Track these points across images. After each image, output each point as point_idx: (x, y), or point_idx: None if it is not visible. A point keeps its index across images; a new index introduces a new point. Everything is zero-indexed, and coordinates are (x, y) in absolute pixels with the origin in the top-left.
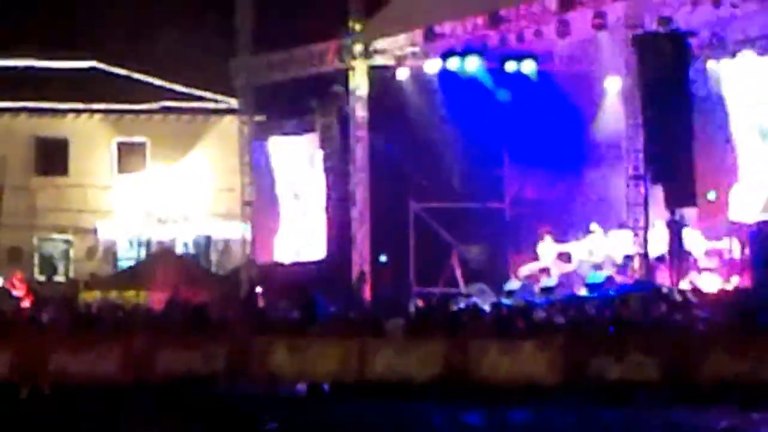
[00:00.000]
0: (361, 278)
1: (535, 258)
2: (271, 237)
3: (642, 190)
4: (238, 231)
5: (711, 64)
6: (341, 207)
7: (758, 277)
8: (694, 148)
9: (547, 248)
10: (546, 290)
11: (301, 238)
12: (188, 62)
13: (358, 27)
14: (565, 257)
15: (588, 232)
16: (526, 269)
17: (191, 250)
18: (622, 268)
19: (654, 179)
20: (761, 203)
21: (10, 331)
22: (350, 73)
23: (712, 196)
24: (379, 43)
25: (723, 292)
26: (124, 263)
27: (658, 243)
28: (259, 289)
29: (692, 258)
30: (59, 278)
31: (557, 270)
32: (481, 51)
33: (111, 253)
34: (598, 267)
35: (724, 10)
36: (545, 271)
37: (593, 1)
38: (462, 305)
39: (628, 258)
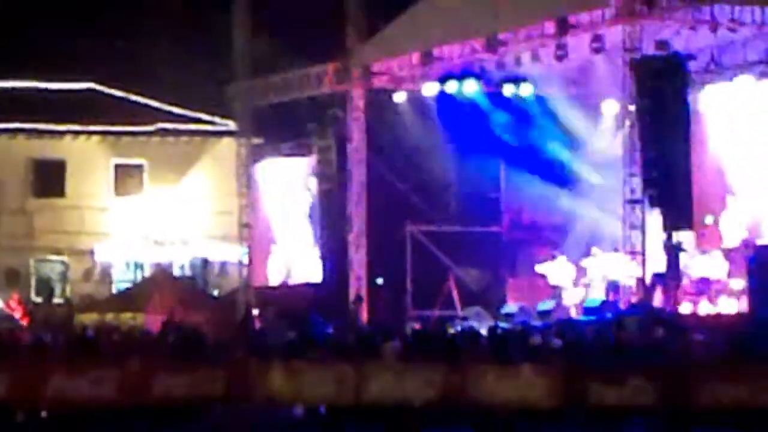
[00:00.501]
0: (357, 301)
1: (534, 281)
2: (268, 259)
3: (639, 213)
4: (235, 253)
5: (707, 89)
6: (338, 229)
7: (756, 301)
8: (691, 172)
9: (557, 268)
10: (543, 314)
11: (298, 260)
12: (186, 84)
13: (356, 50)
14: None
15: (587, 255)
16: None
17: (188, 272)
18: (618, 291)
19: (652, 203)
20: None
21: (7, 353)
22: (348, 95)
23: (709, 220)
24: (377, 66)
25: (721, 317)
26: (121, 285)
27: (655, 266)
28: (255, 312)
29: (689, 282)
30: (56, 300)
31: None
32: (479, 74)
33: (108, 275)
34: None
35: (721, 35)
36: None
37: (591, 24)
38: (459, 328)
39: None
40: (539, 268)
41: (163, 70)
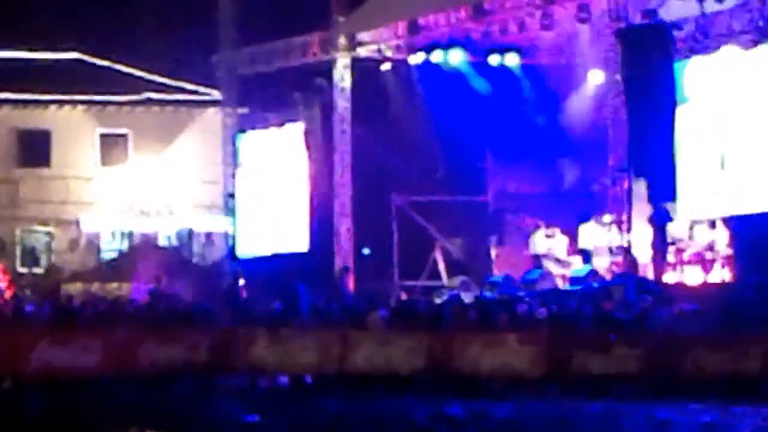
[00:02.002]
0: (344, 271)
1: (520, 250)
2: (254, 229)
3: (625, 184)
4: (221, 223)
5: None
6: (324, 199)
7: (742, 270)
8: (676, 143)
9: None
10: (529, 283)
11: (284, 230)
12: (171, 54)
13: (341, 19)
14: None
15: (576, 224)
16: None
17: (174, 242)
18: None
19: (637, 173)
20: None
21: None
22: (334, 65)
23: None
24: (363, 36)
25: (707, 286)
26: (107, 255)
27: (642, 236)
28: (241, 282)
29: (675, 251)
30: (41, 270)
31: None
32: (465, 44)
33: (93, 245)
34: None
35: (708, 4)
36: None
37: None
38: (445, 298)
39: (611, 250)
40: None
41: (149, 40)
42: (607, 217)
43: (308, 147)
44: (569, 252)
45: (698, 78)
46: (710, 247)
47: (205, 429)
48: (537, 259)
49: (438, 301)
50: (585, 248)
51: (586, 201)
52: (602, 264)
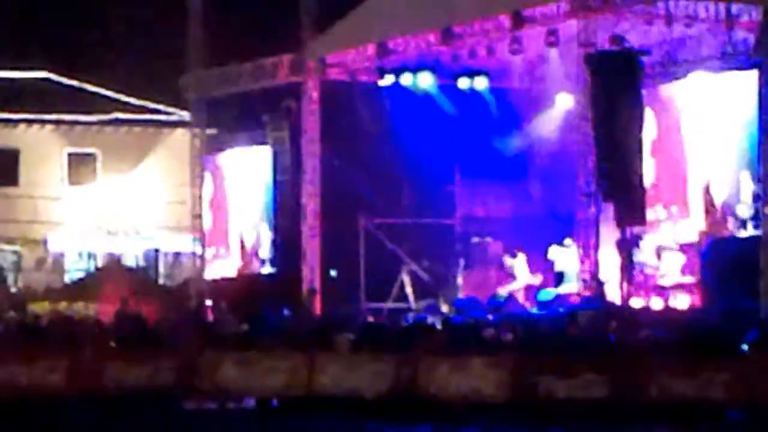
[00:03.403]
0: (310, 292)
1: (487, 274)
2: (221, 250)
3: (593, 208)
4: (188, 244)
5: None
6: (292, 221)
7: (709, 296)
8: (643, 167)
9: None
10: (496, 306)
11: (251, 251)
12: (140, 74)
13: (311, 41)
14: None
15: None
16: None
17: (141, 262)
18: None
19: (605, 197)
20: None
21: None
22: (303, 87)
23: (663, 214)
24: (332, 58)
25: (673, 311)
26: (74, 275)
27: (609, 260)
28: (208, 303)
29: (643, 275)
30: (8, 289)
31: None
32: (434, 67)
33: (60, 265)
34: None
35: (676, 30)
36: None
37: (546, 18)
38: (411, 321)
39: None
40: (504, 260)
41: (118, 60)
42: (573, 242)
43: (276, 168)
44: (533, 271)
45: (666, 103)
46: (677, 272)
47: None
48: (507, 281)
49: (405, 323)
50: (554, 271)
51: (553, 225)
52: (569, 288)
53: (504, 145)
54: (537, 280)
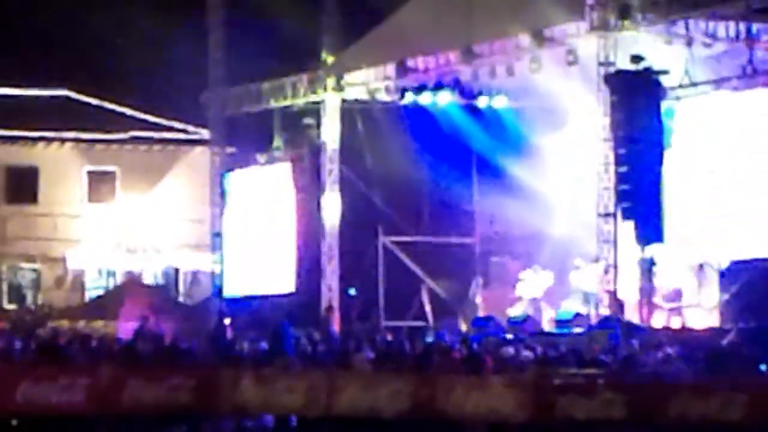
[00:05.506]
0: (329, 311)
1: (506, 292)
2: (240, 268)
3: (612, 227)
4: (207, 262)
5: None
6: (311, 239)
7: (728, 315)
8: (663, 186)
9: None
10: (515, 326)
11: (270, 269)
12: (159, 93)
13: (330, 60)
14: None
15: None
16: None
17: (160, 280)
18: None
19: (624, 216)
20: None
21: None
22: (322, 105)
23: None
24: (352, 77)
25: (692, 331)
26: (93, 293)
27: (628, 279)
28: (227, 321)
29: (662, 295)
30: (28, 307)
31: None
32: (454, 86)
33: (79, 283)
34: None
35: (696, 50)
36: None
37: (565, 37)
38: (430, 340)
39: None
40: (520, 277)
41: (137, 78)
42: (593, 260)
43: (296, 187)
44: (555, 293)
45: (686, 123)
46: (698, 292)
47: None
48: (527, 300)
49: (423, 342)
50: (573, 290)
51: (573, 243)
52: (589, 307)
53: (523, 164)
54: (541, 292)
